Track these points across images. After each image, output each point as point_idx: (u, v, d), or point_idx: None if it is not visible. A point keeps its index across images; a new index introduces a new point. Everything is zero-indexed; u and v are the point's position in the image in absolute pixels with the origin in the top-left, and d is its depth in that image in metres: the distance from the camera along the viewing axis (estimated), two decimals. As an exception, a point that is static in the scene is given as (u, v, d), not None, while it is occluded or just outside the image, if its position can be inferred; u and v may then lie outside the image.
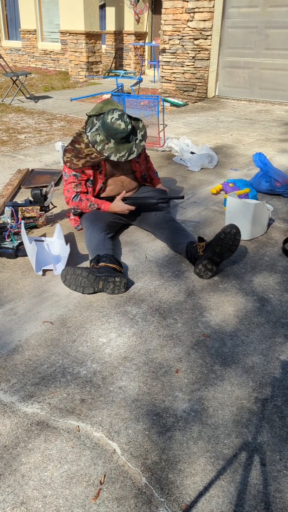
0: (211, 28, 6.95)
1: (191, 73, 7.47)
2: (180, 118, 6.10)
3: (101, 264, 2.21)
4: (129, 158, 2.47)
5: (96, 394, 1.62)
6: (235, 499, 1.28)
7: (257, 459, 1.39)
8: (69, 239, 2.71)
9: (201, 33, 7.07)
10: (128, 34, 11.10)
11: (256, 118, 6.09)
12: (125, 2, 10.50)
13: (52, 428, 1.49)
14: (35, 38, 12.36)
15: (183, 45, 7.35)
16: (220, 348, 1.85)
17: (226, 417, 1.53)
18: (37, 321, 2.00)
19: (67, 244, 2.42)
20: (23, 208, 2.76)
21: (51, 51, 12.11)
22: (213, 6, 6.78)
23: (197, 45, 7.19)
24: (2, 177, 3.75)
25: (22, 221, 2.61)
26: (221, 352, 1.83)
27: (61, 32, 10.87)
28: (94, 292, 2.19)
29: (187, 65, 7.46)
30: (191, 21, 7.09)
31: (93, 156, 2.44)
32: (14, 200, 3.27)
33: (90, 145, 2.45)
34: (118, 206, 2.57)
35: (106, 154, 2.42)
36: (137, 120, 2.54)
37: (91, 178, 2.56)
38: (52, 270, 2.37)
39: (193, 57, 7.32)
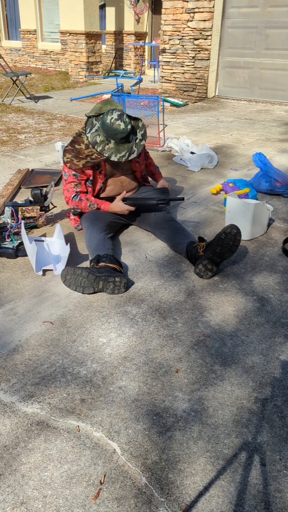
0: (211, 28, 6.95)
1: (191, 73, 7.47)
2: (180, 118, 6.10)
3: (101, 264, 2.21)
4: (130, 158, 2.47)
5: (96, 394, 1.62)
6: (235, 499, 1.28)
7: (257, 459, 1.39)
8: (69, 239, 2.71)
9: (201, 33, 7.07)
10: (128, 34, 11.10)
11: (256, 118, 6.09)
12: (125, 2, 10.50)
13: (52, 428, 1.49)
14: (35, 38, 12.36)
15: (183, 45, 7.35)
16: (220, 348, 1.85)
17: (226, 417, 1.53)
18: (37, 321, 2.00)
19: (67, 244, 2.42)
20: (23, 208, 2.76)
21: (51, 51, 12.11)
22: (213, 6, 6.78)
23: (197, 45, 7.19)
24: (2, 177, 3.75)
25: (22, 221, 2.61)
26: (221, 352, 1.83)
27: (61, 32, 10.87)
28: (94, 292, 2.19)
29: (187, 65, 7.46)
30: (191, 21, 7.09)
31: (93, 157, 2.44)
32: (14, 200, 3.27)
33: (90, 146, 2.45)
34: (118, 206, 2.57)
35: (106, 155, 2.42)
36: (136, 119, 2.53)
37: (91, 178, 2.56)
38: (52, 270, 2.37)
39: (193, 57, 7.33)
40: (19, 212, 2.74)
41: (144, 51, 11.33)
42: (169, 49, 7.54)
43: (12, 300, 2.15)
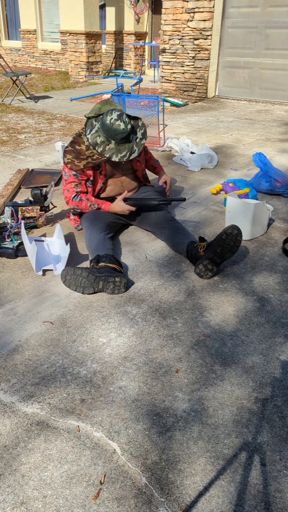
0: (211, 28, 6.95)
1: (191, 73, 7.47)
2: (180, 118, 6.10)
3: (101, 264, 2.21)
4: (131, 158, 2.47)
5: (96, 394, 1.62)
6: (235, 499, 1.28)
7: (257, 459, 1.39)
8: (69, 239, 2.71)
9: (201, 33, 7.07)
10: (128, 34, 11.10)
11: (256, 118, 6.09)
12: (125, 2, 10.50)
13: (52, 428, 1.49)
14: (35, 38, 12.36)
15: (183, 45, 7.35)
16: (220, 348, 1.85)
17: (226, 417, 1.53)
18: (37, 321, 2.00)
19: (67, 244, 2.42)
20: (23, 208, 2.76)
21: (51, 51, 12.11)
22: (213, 6, 6.78)
23: (197, 45, 7.19)
24: (2, 177, 3.75)
25: (22, 221, 2.61)
26: (221, 352, 1.83)
27: (61, 32, 10.87)
28: (94, 292, 2.19)
29: (187, 65, 7.46)
30: (191, 21, 7.09)
31: (94, 157, 2.44)
32: (14, 200, 3.27)
33: (91, 147, 2.44)
34: (119, 206, 2.57)
35: (107, 155, 2.42)
36: (136, 118, 2.53)
37: (91, 179, 2.56)
38: (52, 270, 2.37)
39: (193, 57, 7.33)
40: (19, 212, 2.74)
41: (144, 51, 11.33)
42: (169, 49, 7.54)
43: (12, 300, 2.15)
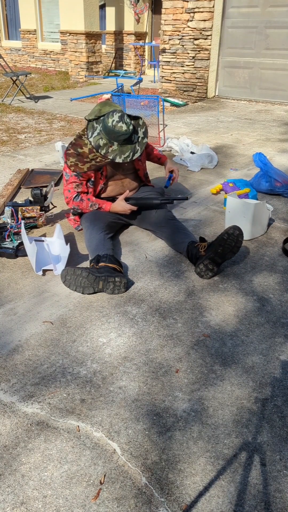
0: (211, 28, 6.95)
1: (191, 73, 7.47)
2: (180, 118, 6.10)
3: (101, 264, 2.21)
4: (134, 158, 2.46)
5: (96, 394, 1.62)
6: (235, 499, 1.28)
7: (257, 459, 1.39)
8: (69, 239, 2.71)
9: (201, 33, 7.07)
10: (128, 34, 11.10)
11: (256, 118, 6.09)
12: (125, 2, 10.50)
13: (52, 428, 1.49)
14: (35, 38, 12.36)
15: (183, 45, 7.35)
16: (220, 348, 1.85)
17: (226, 417, 1.53)
18: (37, 321, 2.00)
19: (67, 244, 2.42)
20: (23, 208, 2.76)
21: (51, 51, 12.11)
22: (213, 6, 6.78)
23: (197, 45, 7.19)
24: (2, 177, 3.75)
25: (22, 221, 2.61)
26: (221, 352, 1.83)
27: (61, 32, 10.87)
28: (94, 292, 2.19)
29: (187, 65, 7.46)
30: (191, 21, 7.09)
31: (97, 160, 2.44)
32: (14, 200, 3.27)
33: (94, 150, 2.43)
34: (121, 205, 2.56)
35: (111, 157, 2.41)
36: (136, 118, 2.53)
37: (92, 179, 2.56)
38: (52, 270, 2.37)
39: (193, 57, 7.33)
40: (19, 212, 2.74)
41: (144, 51, 11.33)
42: (169, 49, 7.54)
43: (12, 300, 2.15)
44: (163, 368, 1.74)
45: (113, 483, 1.32)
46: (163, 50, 7.63)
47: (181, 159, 4.16)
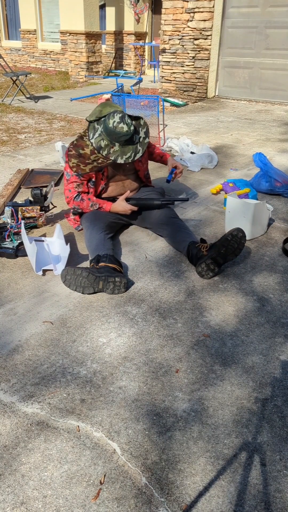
0: (211, 28, 6.95)
1: (191, 73, 7.47)
2: (180, 118, 6.10)
3: (101, 264, 2.21)
4: (136, 158, 2.46)
5: (96, 394, 1.62)
6: (235, 499, 1.28)
7: (257, 459, 1.39)
8: (69, 239, 2.71)
9: (201, 33, 7.07)
10: (128, 34, 11.10)
11: (256, 118, 6.09)
12: (125, 2, 10.50)
13: (52, 428, 1.49)
14: (35, 38, 12.36)
15: (183, 45, 7.35)
16: (220, 348, 1.85)
17: (226, 417, 1.53)
18: (37, 321, 2.00)
19: (67, 244, 2.42)
20: (23, 208, 2.76)
21: (51, 51, 12.11)
22: (213, 6, 6.78)
23: (197, 45, 7.19)
24: (2, 177, 3.75)
25: (22, 221, 2.61)
26: (221, 352, 1.83)
27: (61, 32, 10.87)
28: (94, 292, 2.19)
29: (187, 65, 7.46)
30: (191, 21, 7.09)
31: (99, 161, 2.44)
32: (14, 200, 3.27)
33: (96, 151, 2.43)
34: (121, 205, 2.56)
35: (112, 158, 2.41)
36: (137, 118, 2.53)
37: (93, 180, 2.56)
38: (52, 270, 2.37)
39: (193, 57, 7.33)
40: (19, 212, 2.74)
41: (144, 51, 11.33)
42: (169, 49, 7.54)
43: (12, 300, 2.15)
44: (163, 368, 1.74)
45: (113, 483, 1.32)
46: (163, 50, 7.63)
47: (181, 159, 4.16)
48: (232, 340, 1.90)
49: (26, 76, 7.87)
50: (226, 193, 3.14)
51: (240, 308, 2.10)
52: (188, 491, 1.30)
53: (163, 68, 7.77)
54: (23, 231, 2.39)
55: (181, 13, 7.14)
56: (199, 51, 7.22)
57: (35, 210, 2.78)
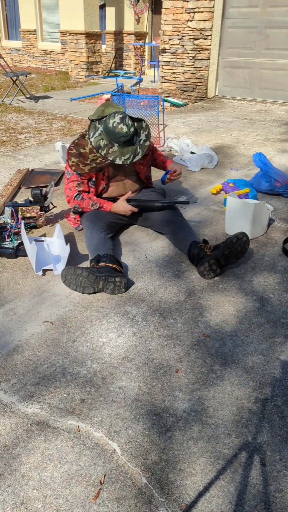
0: (211, 28, 6.95)
1: (191, 73, 7.47)
2: (180, 118, 6.10)
3: (101, 264, 2.21)
4: (135, 160, 2.45)
5: (96, 394, 1.62)
6: (235, 499, 1.28)
7: (257, 459, 1.39)
8: (69, 239, 2.71)
9: (201, 33, 7.07)
10: (128, 34, 11.10)
11: (256, 118, 6.09)
12: (125, 2, 10.50)
13: (52, 428, 1.49)
14: (35, 38, 12.36)
15: (183, 45, 7.35)
16: (220, 348, 1.85)
17: (226, 417, 1.53)
18: (37, 321, 2.00)
19: (67, 244, 2.42)
20: (23, 208, 2.76)
21: (51, 51, 12.11)
22: (213, 6, 6.78)
23: (197, 45, 7.19)
24: (2, 177, 3.75)
25: (22, 221, 2.61)
26: (221, 352, 1.83)
27: (61, 32, 10.87)
28: (94, 292, 2.19)
29: (187, 65, 7.46)
30: (191, 21, 7.09)
31: (98, 161, 2.44)
32: (14, 200, 3.27)
33: (95, 150, 2.43)
34: (122, 206, 2.56)
35: (110, 158, 2.41)
36: (139, 120, 2.52)
37: (94, 179, 2.56)
38: (52, 270, 2.37)
39: (193, 57, 7.33)
40: (19, 212, 2.74)
41: (144, 51, 11.33)
42: (169, 49, 7.54)
43: (12, 300, 2.15)
44: (163, 368, 1.74)
45: (113, 483, 1.32)
46: (163, 50, 7.63)
47: (181, 159, 4.16)
48: (232, 340, 1.90)
49: (26, 76, 7.87)
50: (226, 193, 3.14)
51: (240, 308, 2.10)
52: (188, 491, 1.30)
53: (163, 68, 7.78)
54: (23, 231, 2.39)
55: (181, 13, 7.14)
56: (199, 51, 7.22)
57: (35, 210, 2.78)
